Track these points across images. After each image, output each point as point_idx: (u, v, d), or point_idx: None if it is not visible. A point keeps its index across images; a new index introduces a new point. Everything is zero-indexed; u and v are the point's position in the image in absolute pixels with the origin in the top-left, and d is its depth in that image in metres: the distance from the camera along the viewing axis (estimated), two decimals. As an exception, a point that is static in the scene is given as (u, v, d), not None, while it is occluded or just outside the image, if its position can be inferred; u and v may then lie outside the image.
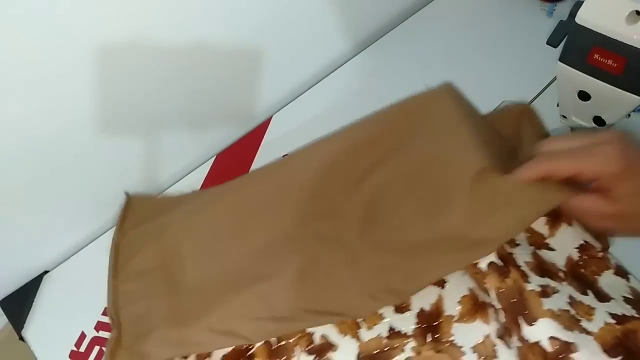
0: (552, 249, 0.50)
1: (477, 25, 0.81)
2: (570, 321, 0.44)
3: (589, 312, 0.45)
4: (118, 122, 0.59)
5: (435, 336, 0.49)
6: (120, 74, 0.56)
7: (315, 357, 0.49)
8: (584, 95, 0.51)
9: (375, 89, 0.75)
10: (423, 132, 0.57)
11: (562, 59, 0.49)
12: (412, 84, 0.74)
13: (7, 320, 0.57)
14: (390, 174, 0.56)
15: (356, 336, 0.50)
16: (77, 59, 0.51)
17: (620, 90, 0.47)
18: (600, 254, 0.50)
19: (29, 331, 0.55)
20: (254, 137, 0.70)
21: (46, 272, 0.60)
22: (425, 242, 0.49)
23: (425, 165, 0.54)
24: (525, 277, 0.46)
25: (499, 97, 0.71)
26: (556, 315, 0.44)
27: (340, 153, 0.59)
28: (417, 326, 0.49)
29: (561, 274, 0.48)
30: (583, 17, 0.46)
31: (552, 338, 0.43)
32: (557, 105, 0.56)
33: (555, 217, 0.51)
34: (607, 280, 0.48)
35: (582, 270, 0.49)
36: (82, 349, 0.53)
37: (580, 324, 0.44)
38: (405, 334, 0.49)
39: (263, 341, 0.50)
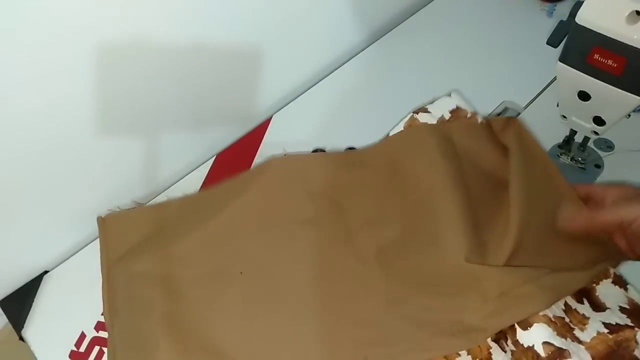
0: None
1: (477, 25, 0.82)
2: (564, 328, 0.44)
3: (583, 321, 0.46)
4: (118, 122, 0.59)
5: None
6: (120, 74, 0.56)
7: None
8: (584, 95, 0.51)
9: (375, 89, 0.75)
10: (408, 189, 0.57)
11: (562, 59, 0.49)
12: (412, 85, 0.74)
13: (7, 320, 0.57)
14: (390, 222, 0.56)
15: None
16: (78, 59, 0.51)
17: (620, 90, 0.47)
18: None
19: (29, 331, 0.55)
20: (254, 137, 0.70)
21: (46, 272, 0.60)
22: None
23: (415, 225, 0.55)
24: None
25: (499, 97, 0.71)
26: (551, 322, 0.44)
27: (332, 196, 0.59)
28: None
29: None
30: (583, 17, 0.46)
31: (545, 343, 0.43)
32: (557, 105, 0.56)
33: None
34: (605, 290, 0.48)
35: None
36: (82, 349, 0.53)
37: (574, 332, 0.44)
38: None
39: None
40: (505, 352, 0.46)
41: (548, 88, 0.70)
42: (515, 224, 0.50)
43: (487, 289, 0.47)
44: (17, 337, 0.55)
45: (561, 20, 0.51)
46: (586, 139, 0.59)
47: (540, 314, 0.45)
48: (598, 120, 0.53)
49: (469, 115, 0.63)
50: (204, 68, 0.64)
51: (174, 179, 0.68)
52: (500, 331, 0.47)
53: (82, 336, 0.54)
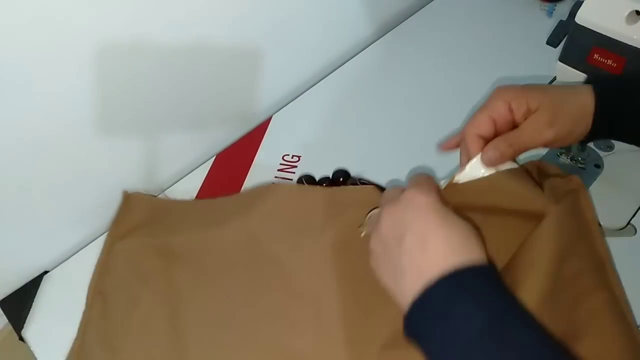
0: None
1: (477, 25, 0.82)
2: None
3: None
4: (118, 122, 0.59)
5: None
6: (120, 74, 0.56)
7: None
8: (584, 95, 0.51)
9: (374, 88, 0.75)
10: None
11: (562, 59, 0.50)
12: (411, 85, 0.74)
13: (7, 320, 0.57)
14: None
15: None
16: (78, 59, 0.51)
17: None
18: None
19: (29, 331, 0.55)
20: (254, 137, 0.70)
21: (46, 272, 0.60)
22: None
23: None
24: None
25: (499, 97, 0.71)
26: None
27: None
28: None
29: None
30: (583, 17, 0.46)
31: None
32: (557, 105, 0.56)
33: None
34: None
35: None
36: (82, 349, 0.53)
37: None
38: None
39: None
40: None
41: (548, 88, 0.70)
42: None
43: None
44: (17, 337, 0.55)
45: (561, 20, 0.51)
46: (586, 139, 0.59)
47: None
48: (598, 120, 0.53)
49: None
50: (204, 68, 0.64)
51: (174, 179, 0.68)
52: None
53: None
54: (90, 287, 0.56)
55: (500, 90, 0.46)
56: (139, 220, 0.60)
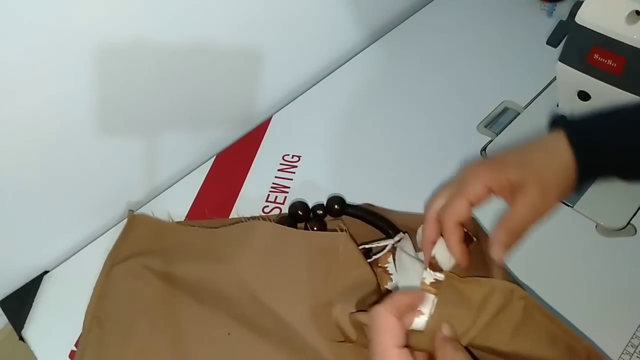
0: None
1: (477, 25, 0.82)
2: None
3: None
4: (118, 122, 0.59)
5: None
6: (120, 73, 0.56)
7: None
8: (584, 95, 0.51)
9: (374, 89, 0.75)
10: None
11: (562, 59, 0.50)
12: (412, 85, 0.74)
13: (7, 320, 0.57)
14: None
15: None
16: (78, 58, 0.51)
17: (620, 89, 0.47)
18: None
19: (29, 331, 0.55)
20: (254, 137, 0.70)
21: (46, 272, 0.60)
22: None
23: None
24: None
25: (499, 97, 0.71)
26: None
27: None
28: None
29: None
30: (583, 17, 0.46)
31: None
32: (557, 105, 0.56)
33: None
34: None
35: None
36: (82, 349, 0.53)
37: None
38: None
39: None
40: None
41: (548, 88, 0.70)
42: None
43: None
44: (17, 337, 0.55)
45: (561, 20, 0.51)
46: (586, 139, 0.59)
47: None
48: (598, 120, 0.53)
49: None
50: (204, 68, 0.64)
51: (174, 179, 0.68)
52: None
53: (80, 337, 0.54)
54: (88, 311, 0.55)
55: (475, 172, 0.43)
56: (141, 245, 0.59)
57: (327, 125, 0.71)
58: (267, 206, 0.62)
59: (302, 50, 0.76)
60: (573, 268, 0.54)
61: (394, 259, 0.52)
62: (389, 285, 0.51)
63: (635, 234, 0.56)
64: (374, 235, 0.57)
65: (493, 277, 0.45)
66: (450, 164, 0.63)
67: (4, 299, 0.58)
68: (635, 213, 0.56)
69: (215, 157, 0.69)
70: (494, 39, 0.79)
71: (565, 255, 0.55)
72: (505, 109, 0.69)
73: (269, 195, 0.63)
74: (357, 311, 0.45)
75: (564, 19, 0.50)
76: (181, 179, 0.67)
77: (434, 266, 0.43)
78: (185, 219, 0.62)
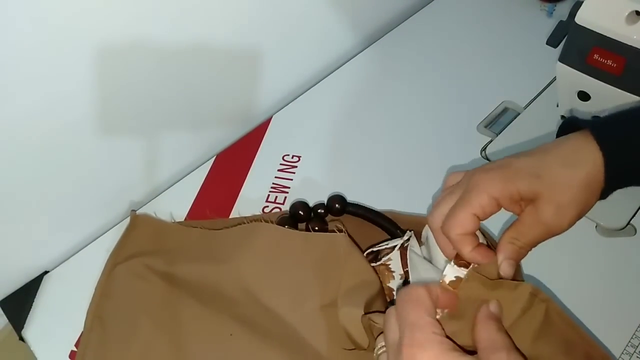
0: None
1: (477, 25, 0.82)
2: None
3: None
4: (118, 122, 0.59)
5: None
6: (120, 73, 0.56)
7: None
8: (584, 96, 0.51)
9: (375, 89, 0.75)
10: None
11: (562, 59, 0.50)
12: (411, 85, 0.74)
13: (7, 320, 0.57)
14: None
15: None
16: (78, 58, 0.51)
17: (620, 90, 0.47)
18: None
19: (29, 331, 0.55)
20: (254, 137, 0.70)
21: (46, 272, 0.60)
22: None
23: None
24: None
25: (499, 97, 0.71)
26: None
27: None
28: None
29: None
30: (583, 17, 0.46)
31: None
32: (557, 106, 0.56)
33: None
34: None
35: None
36: (82, 349, 0.53)
37: None
38: None
39: None
40: None
41: (548, 88, 0.70)
42: None
43: None
44: (17, 337, 0.55)
45: (561, 21, 0.51)
46: (586, 139, 0.59)
47: None
48: (598, 120, 0.53)
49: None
50: (204, 68, 0.64)
51: (174, 179, 0.68)
52: None
53: (81, 337, 0.54)
54: (90, 310, 0.54)
55: (481, 180, 0.38)
56: (144, 245, 0.59)
57: (327, 125, 0.71)
58: (267, 206, 0.62)
59: (303, 50, 0.76)
60: (573, 268, 0.54)
61: (400, 258, 0.51)
62: (391, 284, 0.50)
63: (635, 234, 0.56)
64: (375, 234, 0.57)
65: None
66: (450, 164, 0.64)
67: (4, 299, 0.58)
68: (635, 213, 0.56)
69: (215, 157, 0.69)
70: (494, 39, 0.79)
71: (565, 255, 0.55)
72: (505, 109, 0.69)
73: (269, 195, 0.63)
74: (372, 312, 0.45)
75: (564, 19, 0.50)
76: (181, 179, 0.67)
77: (460, 261, 0.40)
78: (185, 219, 0.62)
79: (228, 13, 0.62)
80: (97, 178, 0.61)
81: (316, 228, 0.57)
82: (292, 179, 0.65)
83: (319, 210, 0.59)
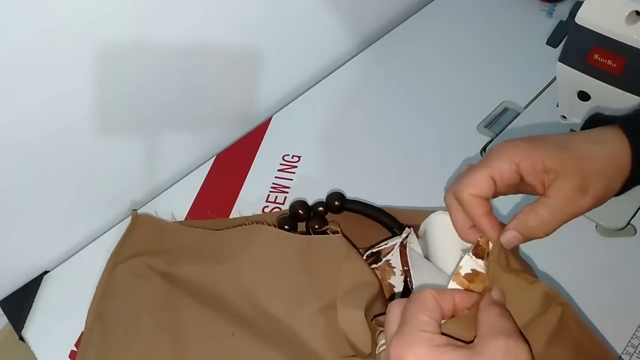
0: None
1: (477, 25, 0.82)
2: None
3: None
4: (118, 122, 0.59)
5: None
6: (120, 74, 0.56)
7: None
8: (584, 95, 0.51)
9: (375, 88, 0.75)
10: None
11: (562, 59, 0.50)
12: (412, 84, 0.74)
13: (7, 320, 0.57)
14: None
15: None
16: (77, 58, 0.51)
17: (620, 90, 0.47)
18: None
19: (29, 331, 0.55)
20: (254, 137, 0.70)
21: (46, 272, 0.60)
22: None
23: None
24: None
25: (499, 97, 0.71)
26: None
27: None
28: None
29: None
30: (583, 17, 0.46)
31: None
32: (557, 106, 0.56)
33: None
34: None
35: None
36: (82, 349, 0.53)
37: None
38: None
39: None
40: None
41: (548, 88, 0.70)
42: None
43: None
44: (17, 337, 0.55)
45: (561, 21, 0.51)
46: (586, 139, 0.59)
47: None
48: (598, 120, 0.53)
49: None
50: (204, 68, 0.64)
51: (174, 179, 0.68)
52: None
53: (82, 336, 0.54)
54: (91, 310, 0.55)
55: (505, 146, 0.37)
56: (145, 244, 0.59)
57: (327, 125, 0.71)
58: (267, 206, 0.62)
59: (302, 50, 0.76)
60: (573, 268, 0.54)
61: (400, 256, 0.51)
62: (392, 280, 0.50)
63: (635, 234, 0.56)
64: (375, 230, 0.57)
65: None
66: (450, 164, 0.63)
67: (4, 299, 0.58)
68: (635, 213, 0.56)
69: (215, 157, 0.69)
70: (494, 39, 0.79)
71: (564, 255, 0.55)
72: (505, 109, 0.69)
73: (269, 195, 0.63)
74: (379, 315, 0.44)
75: (564, 19, 0.50)
76: (181, 179, 0.67)
77: (479, 252, 0.38)
78: (185, 219, 0.62)
79: (228, 13, 0.62)
80: (97, 178, 0.61)
81: (316, 227, 0.57)
82: (292, 179, 0.65)
83: (318, 209, 0.59)
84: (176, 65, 0.60)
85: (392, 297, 0.50)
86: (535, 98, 0.70)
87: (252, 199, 0.63)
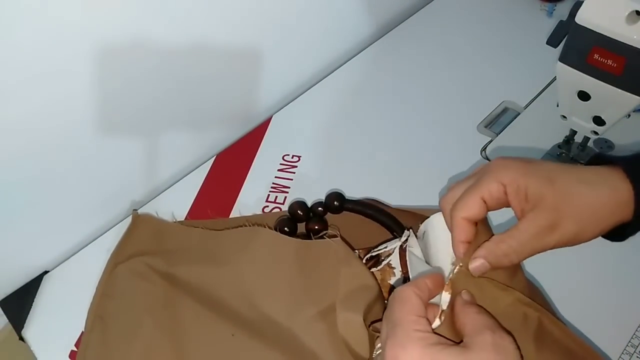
0: None
1: (477, 25, 0.82)
2: None
3: None
4: (118, 122, 0.59)
5: None
6: (120, 74, 0.56)
7: None
8: (584, 95, 0.51)
9: (375, 88, 0.75)
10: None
11: (562, 59, 0.50)
12: (411, 85, 0.74)
13: (7, 320, 0.57)
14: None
15: None
16: (78, 59, 0.51)
17: (620, 90, 0.47)
18: None
19: (29, 331, 0.55)
20: (254, 137, 0.70)
21: (46, 272, 0.60)
22: None
23: None
24: None
25: (499, 97, 0.71)
26: None
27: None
28: None
29: None
30: (583, 17, 0.46)
31: None
32: (557, 106, 0.56)
33: None
34: None
35: None
36: (82, 349, 0.53)
37: None
38: None
39: None
40: None
41: (548, 88, 0.70)
42: None
43: None
44: (17, 337, 0.55)
45: (561, 20, 0.51)
46: (586, 138, 0.59)
47: None
48: (598, 120, 0.53)
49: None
50: (204, 68, 0.64)
51: (174, 179, 0.68)
52: None
53: (82, 336, 0.54)
54: (91, 310, 0.55)
55: (497, 166, 0.39)
56: (145, 244, 0.59)
57: (327, 125, 0.71)
58: (267, 206, 0.62)
59: (302, 50, 0.76)
60: (573, 268, 0.54)
61: (399, 259, 0.51)
62: (392, 281, 0.50)
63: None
64: (374, 231, 0.57)
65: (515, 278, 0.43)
66: (450, 163, 0.64)
67: (4, 299, 0.58)
68: (635, 213, 0.55)
69: (215, 157, 0.69)
70: (493, 39, 0.79)
71: (564, 255, 0.55)
72: (505, 109, 0.69)
73: (269, 195, 0.63)
74: (376, 321, 0.45)
75: (564, 19, 0.50)
76: (181, 179, 0.67)
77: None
78: (185, 219, 0.62)
79: (228, 13, 0.62)
80: (97, 178, 0.61)
81: (316, 227, 0.57)
82: (292, 179, 0.65)
83: (317, 209, 0.59)
84: (176, 65, 0.60)
85: None
86: (535, 98, 0.70)
87: (252, 198, 0.63)
